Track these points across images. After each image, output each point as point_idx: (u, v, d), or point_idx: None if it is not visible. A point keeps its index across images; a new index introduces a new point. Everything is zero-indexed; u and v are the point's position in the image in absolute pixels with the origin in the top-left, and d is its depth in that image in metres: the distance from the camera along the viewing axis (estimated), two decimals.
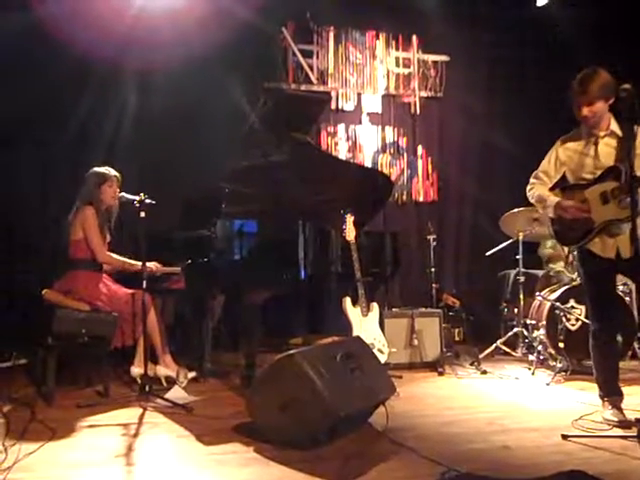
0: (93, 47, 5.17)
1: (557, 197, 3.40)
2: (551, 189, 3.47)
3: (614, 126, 3.30)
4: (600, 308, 3.39)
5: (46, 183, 5.13)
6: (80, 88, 5.30)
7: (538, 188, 3.49)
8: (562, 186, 3.45)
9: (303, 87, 6.41)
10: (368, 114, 6.68)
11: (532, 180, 3.55)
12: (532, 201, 3.54)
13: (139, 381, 4.01)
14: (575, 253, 3.60)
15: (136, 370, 4.13)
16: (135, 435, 3.20)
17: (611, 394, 3.39)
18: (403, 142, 6.76)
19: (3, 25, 4.81)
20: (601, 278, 3.37)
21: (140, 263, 3.91)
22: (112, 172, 4.26)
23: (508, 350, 5.33)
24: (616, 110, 3.25)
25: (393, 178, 6.42)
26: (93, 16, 5.27)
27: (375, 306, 4.66)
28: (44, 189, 5.11)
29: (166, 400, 3.74)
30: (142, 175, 5.15)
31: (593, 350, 3.45)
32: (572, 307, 4.69)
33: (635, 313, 4.94)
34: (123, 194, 4.11)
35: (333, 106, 6.51)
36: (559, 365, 4.53)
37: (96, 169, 4.25)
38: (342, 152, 6.54)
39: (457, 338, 5.68)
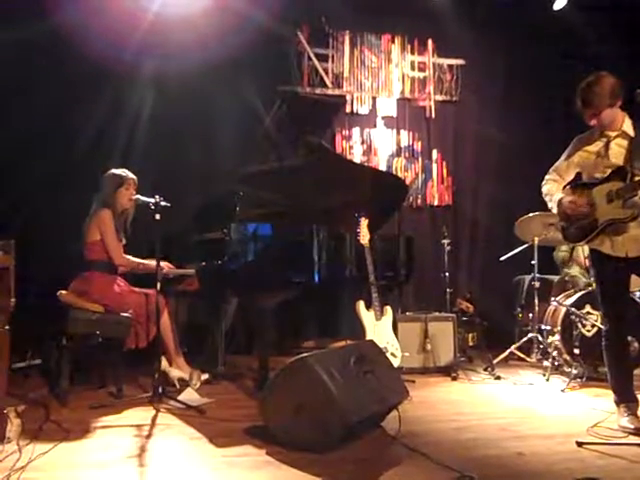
0: (109, 52, 5.20)
1: (563, 194, 3.44)
2: (564, 187, 3.51)
3: (627, 126, 3.31)
4: (611, 308, 3.38)
5: (62, 185, 5.17)
6: (96, 92, 5.33)
7: (550, 184, 3.55)
8: (574, 184, 3.49)
9: (318, 91, 6.42)
10: (383, 118, 6.67)
11: (547, 176, 3.60)
12: (543, 195, 3.60)
13: (177, 384, 4.11)
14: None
15: (175, 372, 4.17)
16: (148, 436, 3.20)
17: (626, 400, 3.37)
18: (418, 146, 6.74)
19: (20, 32, 4.85)
20: (613, 278, 3.36)
21: (154, 262, 3.93)
22: (130, 175, 4.29)
23: (522, 356, 5.29)
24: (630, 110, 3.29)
25: (408, 182, 6.42)
26: (109, 22, 5.30)
27: (389, 310, 4.65)
28: (60, 191, 5.14)
29: (179, 402, 3.75)
30: (157, 178, 5.17)
31: (606, 351, 3.44)
32: (588, 313, 4.65)
33: None
34: (139, 196, 4.13)
35: (348, 110, 6.51)
36: (574, 371, 4.48)
37: (113, 171, 4.28)
38: (357, 156, 6.54)
39: (471, 343, 5.64)
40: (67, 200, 4.93)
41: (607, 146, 3.33)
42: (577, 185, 3.47)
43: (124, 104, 5.50)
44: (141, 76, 5.55)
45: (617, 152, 3.29)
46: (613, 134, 3.32)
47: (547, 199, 3.54)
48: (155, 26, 5.52)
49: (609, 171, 3.29)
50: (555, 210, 3.46)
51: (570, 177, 3.52)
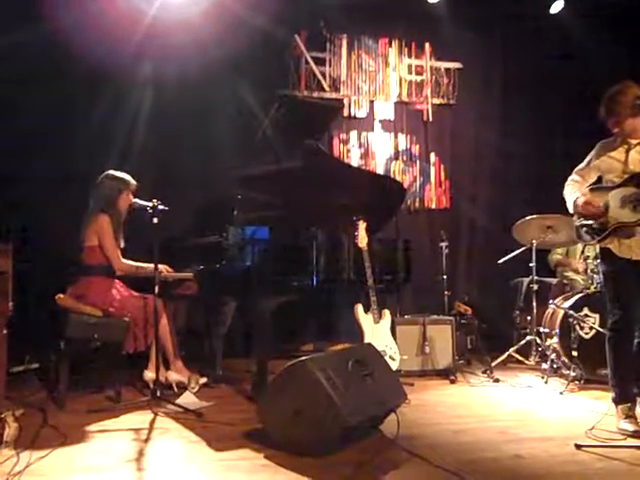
0: (108, 55, 5.20)
1: (578, 194, 3.53)
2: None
3: None
4: (619, 302, 3.41)
5: (60, 189, 5.16)
6: (95, 95, 5.34)
7: (571, 185, 3.64)
8: (593, 187, 3.58)
9: (315, 94, 6.42)
10: (380, 121, 6.68)
11: (569, 178, 3.69)
12: (564, 196, 3.69)
13: (151, 385, 4.03)
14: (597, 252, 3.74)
15: (149, 374, 4.14)
16: (146, 440, 3.20)
17: (625, 400, 3.38)
18: (415, 149, 6.75)
19: (19, 36, 4.86)
20: (619, 276, 3.42)
21: (152, 265, 3.93)
22: (133, 181, 4.28)
23: (521, 358, 5.29)
24: None
25: (405, 185, 6.42)
26: (108, 25, 5.30)
27: (387, 313, 4.65)
28: (59, 195, 5.14)
29: (177, 405, 3.74)
30: (155, 181, 5.17)
31: (609, 345, 3.47)
32: (586, 315, 4.65)
33: None
34: (136, 200, 4.14)
35: (346, 113, 6.51)
36: (572, 374, 4.49)
37: (114, 173, 4.26)
38: (354, 159, 6.54)
39: (469, 346, 5.63)
40: (66, 203, 4.92)
41: (627, 153, 3.44)
42: (596, 188, 3.56)
43: (123, 107, 5.49)
44: (140, 79, 5.55)
45: (636, 160, 3.41)
46: (634, 142, 3.44)
47: (566, 199, 3.64)
48: (154, 29, 5.53)
49: (626, 177, 3.40)
50: (571, 209, 3.57)
51: (592, 180, 3.62)
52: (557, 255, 5.83)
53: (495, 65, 6.84)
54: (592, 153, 3.62)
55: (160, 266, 4.09)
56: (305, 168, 4.56)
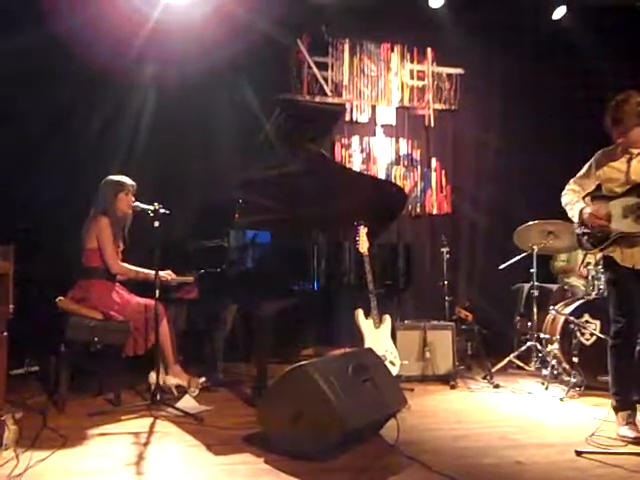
0: (110, 58, 5.21)
1: (584, 204, 3.53)
2: (584, 197, 3.61)
3: None
4: (622, 310, 3.41)
5: (63, 191, 5.17)
6: (96, 99, 5.35)
7: (570, 194, 3.64)
8: (594, 195, 3.59)
9: (317, 99, 6.43)
10: (382, 126, 6.68)
11: (567, 187, 3.69)
12: (563, 205, 3.68)
13: (175, 392, 4.10)
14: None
15: (173, 380, 4.16)
16: (145, 444, 3.20)
17: (626, 407, 3.39)
18: (417, 154, 6.75)
19: (21, 39, 4.87)
20: (622, 284, 3.42)
21: (153, 272, 3.93)
22: (129, 181, 4.30)
23: (521, 364, 5.28)
24: None
25: (407, 190, 6.41)
26: (110, 28, 5.31)
27: (387, 318, 4.65)
28: (60, 198, 5.14)
29: (177, 409, 3.74)
30: (156, 185, 5.17)
31: (612, 352, 3.47)
32: (586, 321, 4.65)
33: None
34: (138, 203, 4.14)
35: (347, 118, 6.51)
36: (573, 380, 4.47)
37: (112, 177, 4.29)
38: (356, 164, 6.54)
39: (470, 351, 5.63)
40: (68, 206, 4.93)
41: (629, 163, 3.43)
42: (596, 196, 3.57)
43: (125, 110, 5.50)
44: (142, 83, 5.56)
45: (638, 169, 3.40)
46: (636, 152, 3.43)
47: (567, 208, 3.63)
48: (156, 33, 5.53)
49: (628, 187, 3.40)
50: (576, 219, 3.55)
51: (591, 189, 3.61)
52: (560, 262, 5.84)
53: (497, 71, 6.84)
54: (591, 162, 3.61)
55: (163, 273, 4.09)
56: (307, 172, 4.57)
